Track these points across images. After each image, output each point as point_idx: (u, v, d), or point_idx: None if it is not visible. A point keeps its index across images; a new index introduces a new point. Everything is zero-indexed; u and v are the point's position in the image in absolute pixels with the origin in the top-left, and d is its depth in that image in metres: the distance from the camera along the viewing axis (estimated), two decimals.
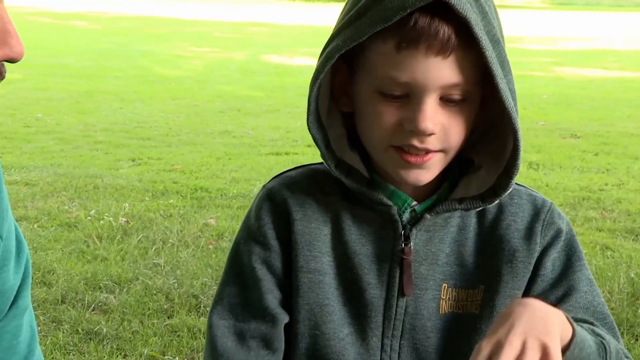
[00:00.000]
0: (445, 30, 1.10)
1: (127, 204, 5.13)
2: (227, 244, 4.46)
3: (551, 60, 15.89)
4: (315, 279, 1.26)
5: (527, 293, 1.26)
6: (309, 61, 14.29)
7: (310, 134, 1.24)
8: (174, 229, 4.65)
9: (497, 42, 1.14)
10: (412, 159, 1.18)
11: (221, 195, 5.51)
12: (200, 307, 3.64)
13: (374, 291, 1.26)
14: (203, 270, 4.04)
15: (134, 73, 12.43)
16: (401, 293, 1.26)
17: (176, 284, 3.86)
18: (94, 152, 6.90)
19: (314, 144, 1.25)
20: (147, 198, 5.37)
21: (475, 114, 1.21)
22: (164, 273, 4.01)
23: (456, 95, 1.16)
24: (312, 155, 6.60)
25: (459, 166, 1.27)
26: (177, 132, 7.94)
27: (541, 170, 6.52)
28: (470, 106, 1.18)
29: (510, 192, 1.24)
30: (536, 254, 1.26)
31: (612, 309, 3.67)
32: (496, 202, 1.25)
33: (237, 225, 4.76)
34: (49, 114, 8.61)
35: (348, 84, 1.23)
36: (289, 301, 1.28)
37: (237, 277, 1.29)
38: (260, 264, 1.27)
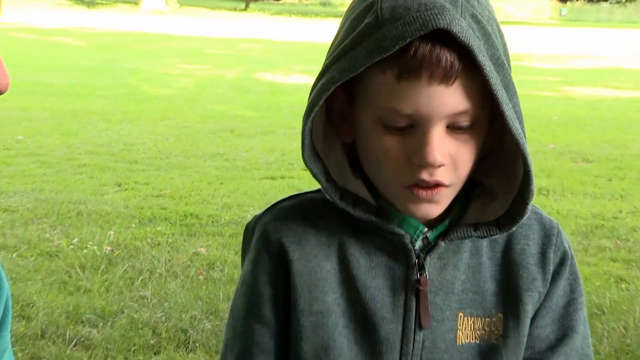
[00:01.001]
0: (447, 57, 1.10)
1: (112, 232, 5.11)
2: (219, 274, 4.44)
3: (560, 79, 15.95)
4: (318, 322, 1.26)
5: (531, 321, 1.29)
6: (305, 79, 14.34)
7: (308, 168, 1.23)
8: (162, 258, 4.63)
9: (501, 66, 1.14)
10: (423, 192, 1.18)
11: (212, 222, 5.50)
12: (189, 342, 3.61)
13: (389, 326, 1.25)
14: (193, 302, 4.01)
15: (121, 92, 12.44)
16: (418, 326, 1.25)
17: (164, 318, 3.83)
18: (78, 176, 6.88)
19: None
20: (133, 225, 5.35)
21: (482, 138, 1.21)
22: (150, 306, 3.98)
23: (465, 122, 1.15)
24: (309, 179, 6.54)
25: (465, 187, 1.26)
26: (166, 154, 7.94)
27: (551, 196, 6.51)
28: (478, 131, 1.18)
29: None
30: (549, 282, 1.29)
31: (627, 346, 3.65)
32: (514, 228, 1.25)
33: (229, 254, 4.74)
34: (30, 136, 8.61)
35: (348, 112, 1.22)
36: (293, 346, 1.28)
37: (233, 332, 1.31)
38: (255, 321, 1.29)
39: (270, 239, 1.28)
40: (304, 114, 1.18)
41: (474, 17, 1.13)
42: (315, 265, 1.26)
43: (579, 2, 55.86)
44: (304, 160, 1.22)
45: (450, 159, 1.16)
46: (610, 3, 53.61)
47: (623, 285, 4.45)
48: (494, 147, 1.26)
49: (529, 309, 1.27)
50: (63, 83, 13.09)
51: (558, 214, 5.89)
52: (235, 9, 43.07)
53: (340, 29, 1.21)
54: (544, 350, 1.29)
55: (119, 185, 6.59)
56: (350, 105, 1.21)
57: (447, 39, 1.09)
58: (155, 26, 27.94)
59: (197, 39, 23.82)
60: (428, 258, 1.25)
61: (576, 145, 8.90)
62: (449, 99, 1.12)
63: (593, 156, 8.21)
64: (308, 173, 1.25)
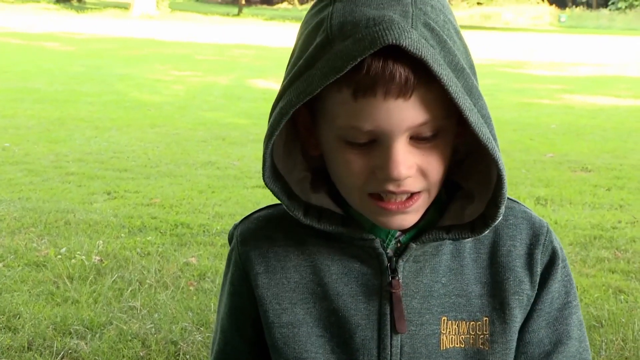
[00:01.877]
0: (401, 72, 1.10)
1: (101, 241, 5.12)
2: (209, 285, 4.45)
3: (560, 87, 15.99)
4: (288, 333, 1.28)
5: (522, 326, 1.30)
6: None
7: (269, 188, 1.25)
8: (152, 269, 4.64)
9: (461, 71, 1.14)
10: (393, 205, 1.19)
11: (203, 231, 5.51)
12: (179, 354, 3.62)
13: (364, 332, 1.27)
14: (183, 313, 4.02)
15: (110, 98, 12.45)
16: (394, 331, 1.26)
17: (153, 329, 3.84)
18: (66, 184, 6.89)
19: None
20: (122, 235, 5.36)
21: (451, 143, 1.21)
22: (140, 317, 3.99)
23: (427, 132, 1.16)
24: None
25: (446, 189, 1.28)
26: (156, 162, 7.95)
27: (549, 206, 6.54)
28: (444, 138, 1.18)
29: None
30: (537, 285, 1.29)
31: (625, 359, 3.67)
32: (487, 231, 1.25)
33: (220, 265, 4.75)
34: (17, 143, 8.61)
35: (313, 128, 1.24)
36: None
37: (214, 333, 1.41)
38: (221, 328, 1.38)
39: (239, 252, 1.33)
40: (265, 137, 1.19)
41: (426, 25, 1.12)
42: (282, 277, 1.29)
43: (578, 8, 56.04)
44: (264, 181, 1.23)
45: (417, 169, 1.17)
46: (610, 10, 53.81)
47: (622, 297, 4.47)
48: (472, 149, 1.26)
49: (517, 313, 1.28)
50: (50, 89, 13.09)
51: (556, 224, 5.91)
52: (227, 14, 43.11)
53: (296, 45, 1.22)
54: (538, 356, 1.29)
55: (108, 193, 6.60)
56: (313, 122, 1.23)
57: (399, 52, 1.09)
58: (145, 31, 27.94)
59: (188, 44, 23.82)
60: (401, 261, 1.26)
61: (575, 154, 8.94)
62: (407, 112, 1.12)
63: (592, 166, 8.24)
64: None
